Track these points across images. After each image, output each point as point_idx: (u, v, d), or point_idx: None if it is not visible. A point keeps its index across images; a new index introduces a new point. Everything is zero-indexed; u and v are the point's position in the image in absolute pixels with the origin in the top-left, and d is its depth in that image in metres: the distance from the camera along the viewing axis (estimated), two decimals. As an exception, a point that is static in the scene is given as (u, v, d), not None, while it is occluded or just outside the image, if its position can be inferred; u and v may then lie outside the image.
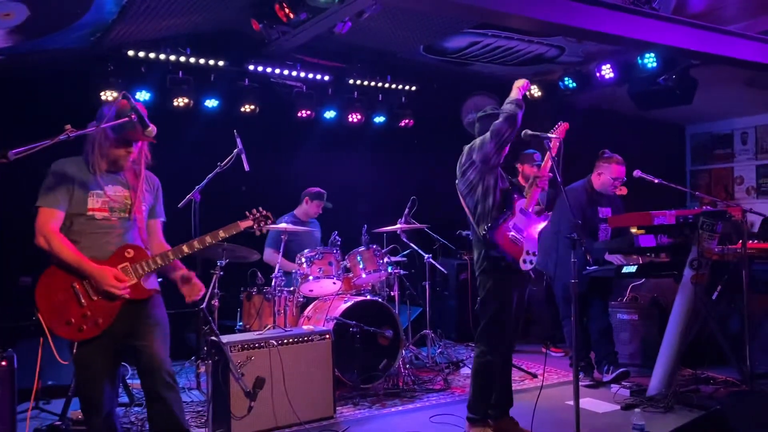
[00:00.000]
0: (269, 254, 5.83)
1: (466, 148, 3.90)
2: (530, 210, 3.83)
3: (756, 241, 4.99)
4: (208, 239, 2.97)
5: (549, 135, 3.69)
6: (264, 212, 3.18)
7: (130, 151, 2.88)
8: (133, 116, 2.74)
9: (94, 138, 2.81)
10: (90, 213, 2.81)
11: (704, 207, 4.73)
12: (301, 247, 5.62)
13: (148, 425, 2.96)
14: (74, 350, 2.79)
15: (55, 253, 2.74)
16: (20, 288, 4.85)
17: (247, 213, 3.17)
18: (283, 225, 5.39)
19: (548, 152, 3.71)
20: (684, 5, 5.31)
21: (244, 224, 3.11)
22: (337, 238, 5.46)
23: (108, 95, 5.58)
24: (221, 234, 3.00)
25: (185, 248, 2.93)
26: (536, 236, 3.84)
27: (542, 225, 3.88)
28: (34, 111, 5.35)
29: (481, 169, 3.78)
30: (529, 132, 3.72)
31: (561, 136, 3.82)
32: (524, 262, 3.74)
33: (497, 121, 3.70)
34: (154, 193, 3.09)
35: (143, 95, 5.85)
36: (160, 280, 3.17)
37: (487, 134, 3.73)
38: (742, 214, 4.47)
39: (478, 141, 3.82)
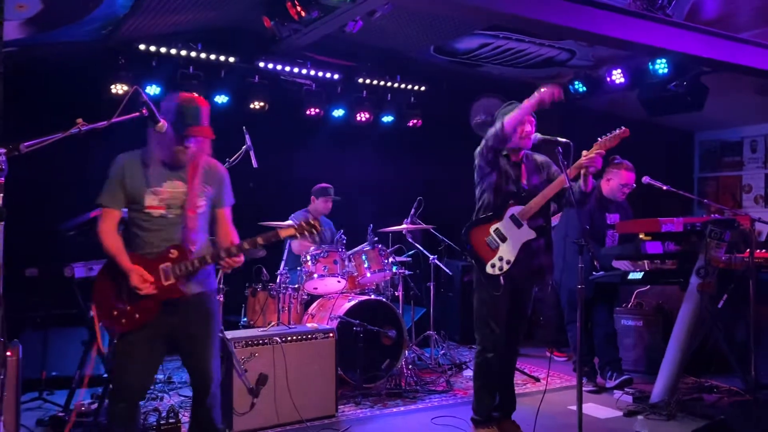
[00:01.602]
0: (297, 244, 5.71)
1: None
2: (524, 220, 3.74)
3: (763, 251, 4.95)
4: (246, 245, 2.94)
5: (559, 139, 3.65)
6: (312, 222, 3.02)
7: (188, 146, 2.89)
8: (144, 111, 2.74)
9: (154, 133, 2.83)
10: (148, 210, 2.86)
11: (712, 215, 4.70)
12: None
13: (190, 420, 3.07)
14: (115, 339, 2.92)
15: (104, 248, 2.85)
16: (26, 280, 4.88)
17: (294, 228, 3.00)
18: (288, 223, 5.39)
19: (563, 172, 3.60)
20: (697, 12, 5.29)
21: (285, 233, 2.99)
22: (342, 236, 5.46)
23: (118, 89, 5.60)
24: (259, 240, 2.94)
25: (223, 254, 2.92)
26: (519, 246, 3.70)
27: (530, 237, 3.73)
28: (45, 104, 5.36)
29: (478, 172, 3.88)
30: (539, 136, 3.70)
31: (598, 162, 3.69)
32: (492, 266, 3.70)
33: (487, 136, 3.74)
34: (218, 185, 3.07)
35: (153, 89, 5.85)
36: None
37: (483, 141, 3.81)
38: (750, 222, 4.45)
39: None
